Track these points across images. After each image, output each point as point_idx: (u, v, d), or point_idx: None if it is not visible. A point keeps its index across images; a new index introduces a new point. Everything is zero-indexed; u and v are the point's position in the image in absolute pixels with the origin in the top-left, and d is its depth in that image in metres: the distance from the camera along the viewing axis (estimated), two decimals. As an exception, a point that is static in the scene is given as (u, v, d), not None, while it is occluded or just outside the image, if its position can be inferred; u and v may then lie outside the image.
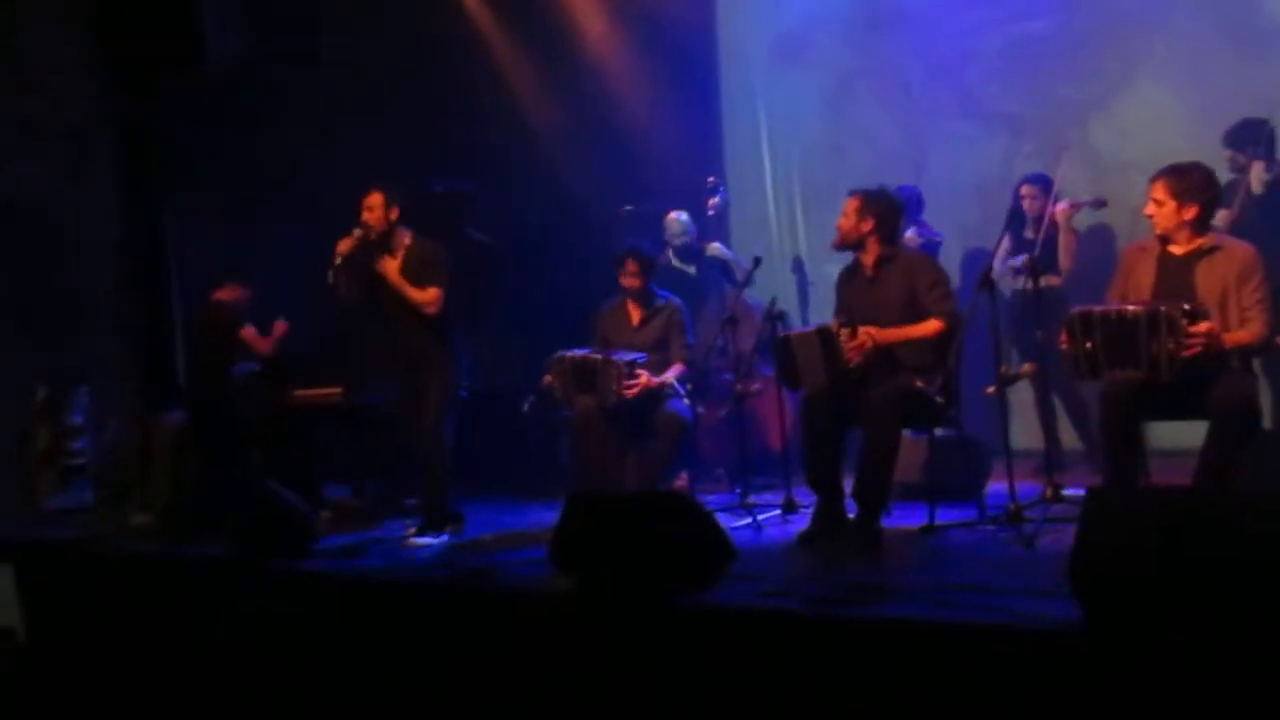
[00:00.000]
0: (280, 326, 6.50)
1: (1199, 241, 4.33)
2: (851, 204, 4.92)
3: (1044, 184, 6.04)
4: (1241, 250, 4.32)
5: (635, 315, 5.94)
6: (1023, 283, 5.16)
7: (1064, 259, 6.03)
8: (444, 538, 5.36)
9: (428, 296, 5.36)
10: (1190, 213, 4.28)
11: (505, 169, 7.58)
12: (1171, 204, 4.30)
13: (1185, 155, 4.53)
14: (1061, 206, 5.96)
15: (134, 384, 7.37)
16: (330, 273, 5.31)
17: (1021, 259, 5.78)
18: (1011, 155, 7.17)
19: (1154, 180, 4.39)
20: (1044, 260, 5.52)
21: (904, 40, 7.58)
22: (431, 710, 3.98)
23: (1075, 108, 7.01)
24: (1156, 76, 6.74)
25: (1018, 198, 6.18)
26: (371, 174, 5.77)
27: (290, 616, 4.61)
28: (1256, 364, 4.51)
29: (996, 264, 5.08)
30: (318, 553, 5.11)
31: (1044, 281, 5.23)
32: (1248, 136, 5.77)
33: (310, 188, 7.12)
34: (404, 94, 7.58)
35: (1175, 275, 4.33)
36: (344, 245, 5.33)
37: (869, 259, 4.94)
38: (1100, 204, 6.17)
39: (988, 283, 4.70)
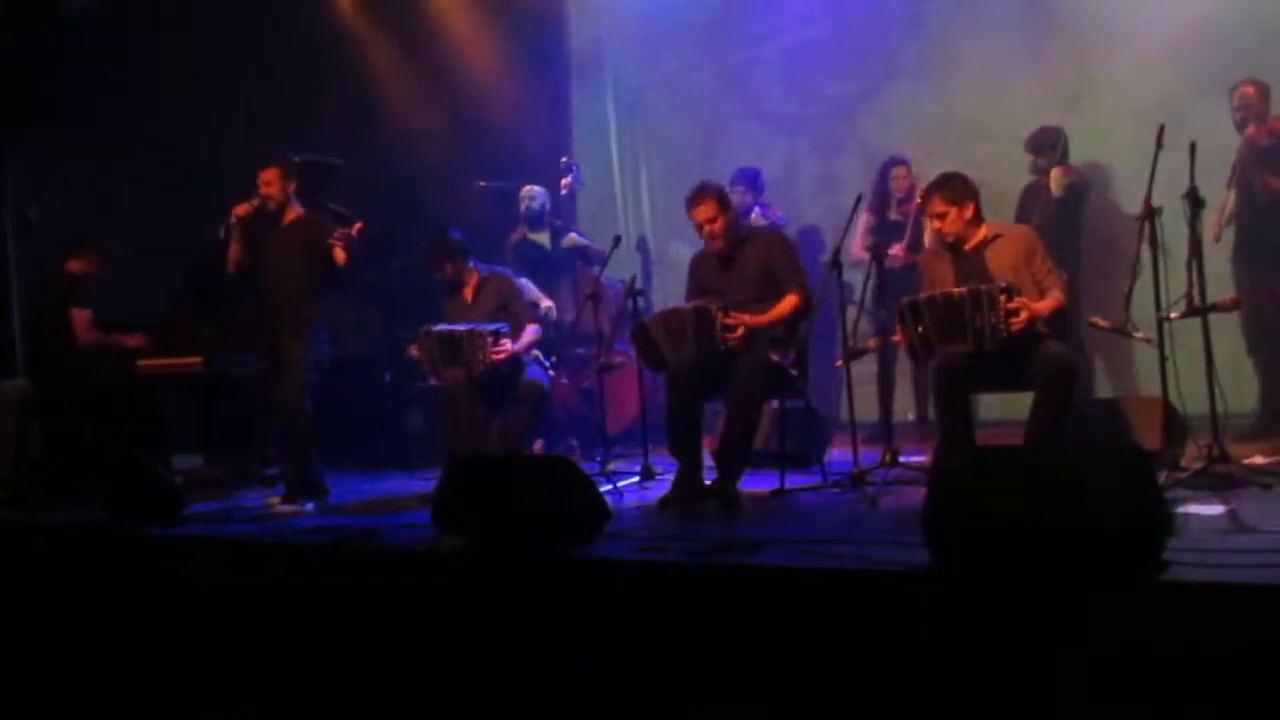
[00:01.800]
0: (136, 339, 6.42)
1: (982, 233, 4.88)
2: (710, 206, 5.20)
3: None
4: (1020, 231, 4.96)
5: (467, 292, 6.08)
6: (868, 266, 5.59)
7: (928, 241, 6.50)
8: (309, 505, 5.47)
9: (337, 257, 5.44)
10: (969, 211, 4.85)
11: (361, 142, 7.63)
12: (952, 210, 4.85)
13: (940, 144, 5.00)
14: None
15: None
16: (221, 230, 5.36)
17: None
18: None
19: (927, 197, 4.93)
20: (912, 240, 6.00)
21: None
22: (324, 673, 4.09)
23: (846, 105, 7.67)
24: (915, 75, 7.47)
25: (885, 178, 6.63)
26: (227, 138, 5.80)
27: (167, 582, 4.64)
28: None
29: (857, 241, 5.45)
30: (185, 520, 5.17)
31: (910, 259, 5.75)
32: (1045, 142, 6.42)
33: (165, 149, 7.03)
34: (259, 63, 7.54)
35: (970, 265, 4.86)
36: (240, 209, 5.41)
37: (718, 245, 5.27)
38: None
39: (836, 263, 5.12)
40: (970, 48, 7.34)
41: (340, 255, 5.38)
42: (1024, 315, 4.50)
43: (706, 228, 5.23)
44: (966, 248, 4.89)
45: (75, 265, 6.39)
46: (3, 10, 6.68)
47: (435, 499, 4.31)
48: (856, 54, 7.65)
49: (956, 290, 4.65)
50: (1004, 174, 6.47)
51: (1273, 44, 6.25)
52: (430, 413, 7.08)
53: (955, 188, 4.86)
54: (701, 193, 5.24)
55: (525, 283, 6.51)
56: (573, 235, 7.26)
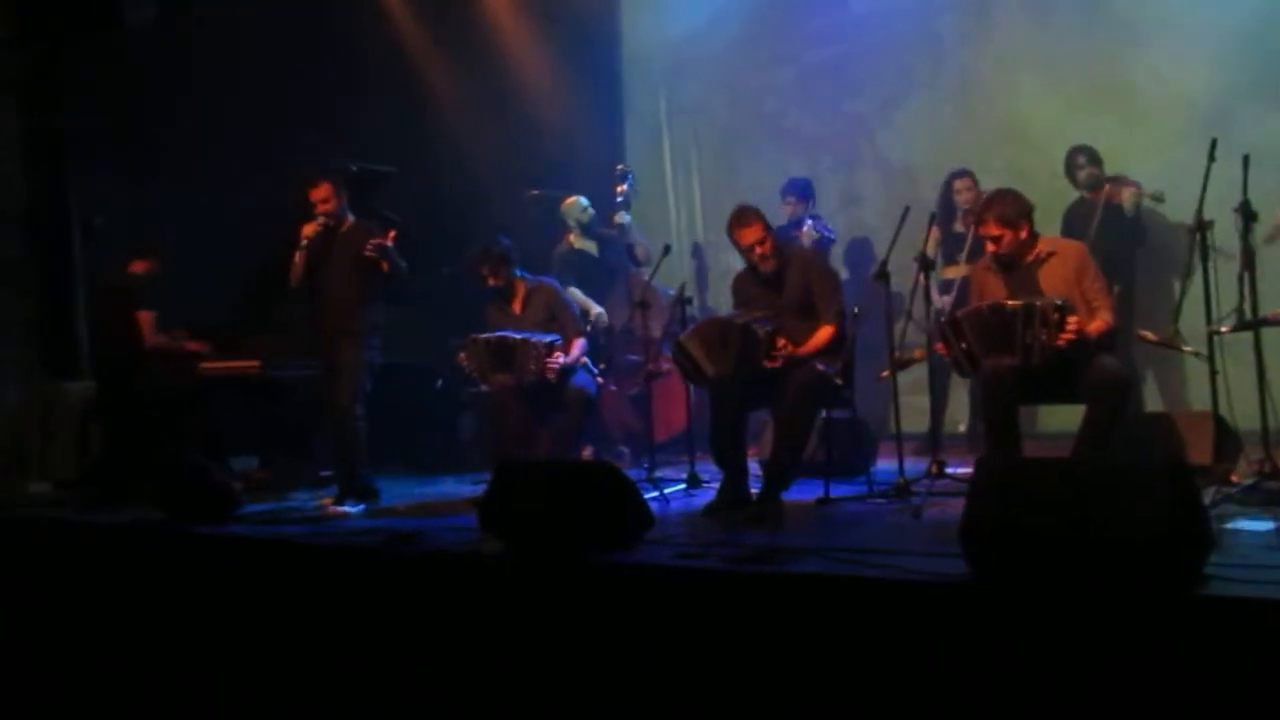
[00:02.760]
0: (198, 344, 6.57)
1: (1037, 250, 4.86)
2: (757, 229, 5.21)
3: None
4: (1074, 249, 4.91)
5: (515, 304, 6.13)
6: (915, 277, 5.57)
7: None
8: (361, 507, 5.56)
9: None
10: (1024, 232, 4.83)
11: (415, 151, 7.74)
12: (1008, 233, 4.80)
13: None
14: None
15: (34, 352, 7.33)
16: (297, 254, 5.51)
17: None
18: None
19: (981, 217, 4.89)
20: (973, 251, 6.01)
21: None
22: (370, 671, 4.16)
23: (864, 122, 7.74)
24: (930, 90, 7.52)
25: (950, 190, 6.62)
26: (285, 146, 5.91)
27: (218, 581, 4.75)
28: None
29: (929, 251, 5.42)
30: (236, 520, 5.28)
31: (960, 269, 5.80)
32: (1094, 157, 6.39)
33: (220, 159, 7.19)
34: (314, 73, 7.68)
35: (1023, 281, 4.83)
36: (309, 229, 5.55)
37: (769, 265, 5.28)
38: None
39: (884, 273, 5.13)
40: (983, 59, 7.43)
41: (381, 265, 5.47)
42: (1073, 330, 4.47)
43: (758, 250, 5.24)
44: (1020, 263, 4.86)
45: (138, 267, 6.55)
46: (67, 20, 6.86)
47: (483, 502, 4.38)
48: (874, 71, 7.68)
49: (1010, 303, 4.63)
50: (1026, 181, 6.42)
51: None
52: (481, 418, 7.18)
53: (1009, 210, 4.80)
54: (746, 215, 5.26)
55: (573, 292, 6.57)
56: (621, 214, 7.27)
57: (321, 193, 5.66)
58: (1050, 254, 4.85)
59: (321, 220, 5.63)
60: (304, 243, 5.61)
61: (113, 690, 4.76)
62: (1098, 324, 4.65)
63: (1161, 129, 6.66)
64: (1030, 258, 4.86)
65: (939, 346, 4.84)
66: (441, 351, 6.97)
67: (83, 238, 7.35)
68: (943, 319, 4.82)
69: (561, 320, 6.01)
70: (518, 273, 6.13)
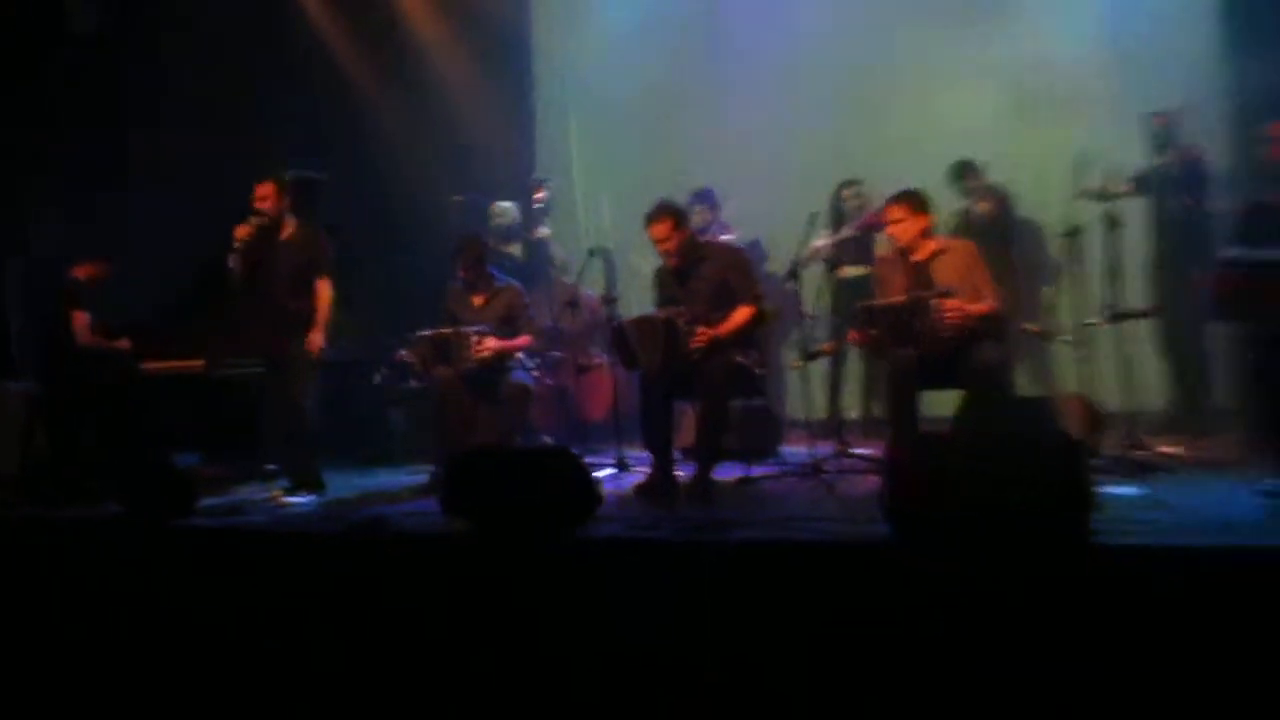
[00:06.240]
0: (124, 342, 6.70)
1: (932, 246, 5.35)
2: (664, 226, 5.50)
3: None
4: (963, 245, 5.43)
5: (477, 299, 6.33)
6: (824, 271, 6.04)
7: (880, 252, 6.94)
8: (311, 498, 5.76)
9: (325, 293, 5.82)
10: (922, 222, 5.32)
11: (348, 157, 7.89)
12: (908, 219, 5.30)
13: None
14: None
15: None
16: (231, 257, 5.65)
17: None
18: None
19: (890, 204, 5.36)
20: (860, 252, 6.45)
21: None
22: (344, 653, 4.28)
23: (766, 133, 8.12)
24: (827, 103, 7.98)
25: (839, 198, 7.08)
26: (222, 154, 6.06)
27: (187, 572, 4.88)
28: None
29: (820, 248, 5.80)
30: (196, 514, 5.42)
31: (859, 270, 6.20)
32: (969, 170, 6.95)
33: (161, 164, 7.28)
34: (249, 81, 7.79)
35: (920, 274, 5.31)
36: (243, 231, 5.68)
37: (673, 262, 5.62)
38: None
39: (794, 274, 5.57)
40: (893, 74, 7.86)
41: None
42: (957, 316, 4.94)
43: (661, 246, 5.56)
44: (918, 259, 5.34)
45: (81, 272, 6.64)
46: (10, 29, 6.88)
47: (445, 487, 4.65)
48: (800, 82, 8.10)
49: (897, 300, 5.12)
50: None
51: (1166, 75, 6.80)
52: (411, 413, 7.43)
53: (915, 201, 5.33)
54: (657, 212, 5.56)
55: None
56: (543, 229, 7.60)
57: (264, 190, 5.81)
58: (943, 251, 5.35)
59: (254, 220, 5.76)
60: (237, 245, 5.75)
61: (85, 684, 4.70)
62: (980, 306, 5.10)
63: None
64: (927, 253, 5.34)
65: (852, 334, 5.26)
66: (376, 349, 7.19)
67: (14, 235, 7.34)
68: (858, 308, 5.25)
69: (518, 321, 6.23)
70: (491, 271, 6.35)
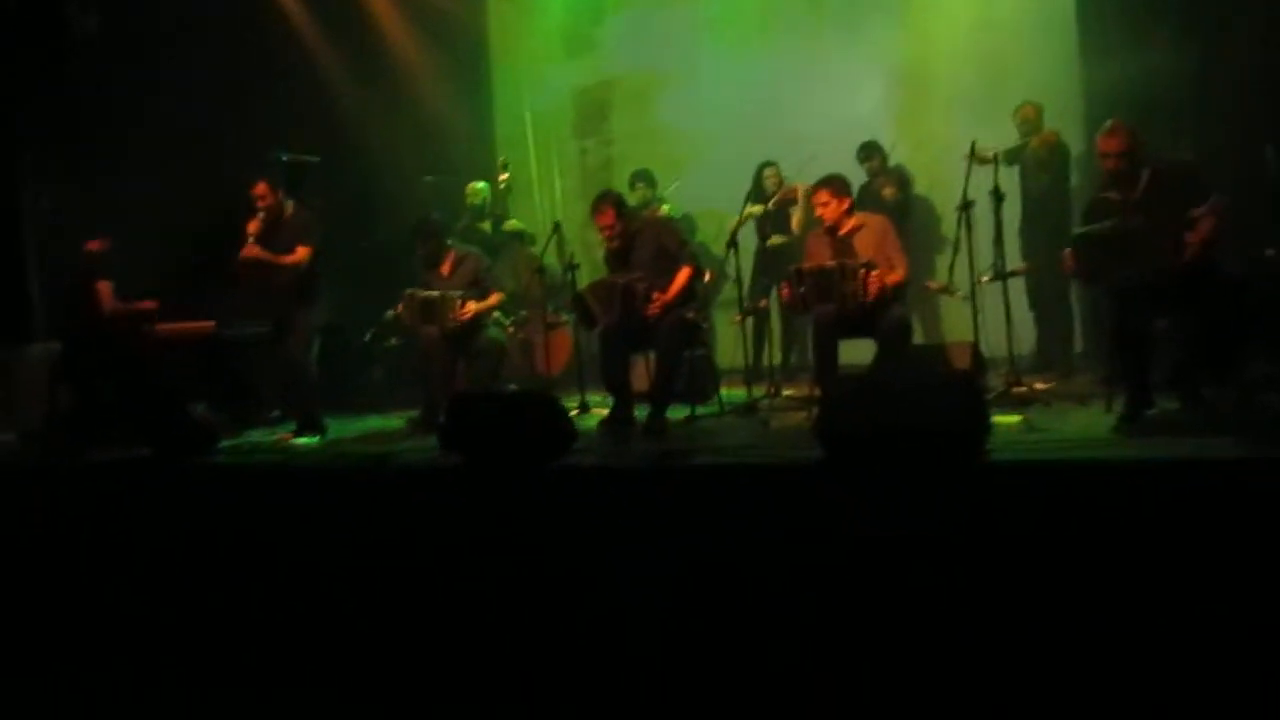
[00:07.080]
0: (148, 303, 6.80)
1: (852, 223, 5.71)
2: (608, 214, 5.80)
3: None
4: (878, 221, 5.79)
5: (444, 268, 6.49)
6: (757, 242, 6.37)
7: (795, 225, 7.31)
8: (316, 439, 5.98)
9: (296, 258, 5.96)
10: (845, 204, 5.70)
11: (325, 141, 7.95)
12: (834, 201, 5.67)
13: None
14: (801, 186, 7.09)
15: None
16: (246, 250, 5.83)
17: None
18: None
19: (816, 190, 5.71)
20: (779, 223, 6.76)
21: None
22: (365, 581, 4.39)
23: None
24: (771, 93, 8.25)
25: (760, 177, 7.38)
26: (216, 140, 6.19)
27: (215, 507, 4.99)
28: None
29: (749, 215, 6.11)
30: (216, 455, 5.60)
31: (779, 239, 6.53)
32: (874, 151, 7.30)
33: (159, 151, 7.32)
34: (239, 73, 7.83)
35: (843, 246, 5.69)
36: (253, 226, 5.87)
37: (615, 245, 5.92)
38: None
39: (733, 242, 5.90)
40: (802, 72, 8.17)
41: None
42: (876, 285, 5.32)
43: (605, 231, 5.88)
44: (841, 232, 5.69)
45: (93, 245, 6.72)
46: (16, 32, 6.86)
47: (443, 426, 4.89)
48: (724, 80, 8.37)
49: (829, 263, 5.47)
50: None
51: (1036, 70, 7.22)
52: (390, 368, 7.64)
53: (838, 186, 5.70)
54: (602, 201, 5.87)
55: None
56: (513, 221, 7.86)
57: (259, 189, 5.98)
58: (861, 226, 5.71)
59: (261, 216, 5.95)
60: (250, 238, 5.92)
61: (120, 620, 4.63)
62: (894, 276, 5.51)
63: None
64: (849, 227, 5.70)
65: (784, 292, 5.61)
66: (361, 313, 7.37)
67: (33, 222, 7.36)
68: (791, 269, 5.61)
69: (484, 284, 6.45)
70: (449, 243, 6.54)
